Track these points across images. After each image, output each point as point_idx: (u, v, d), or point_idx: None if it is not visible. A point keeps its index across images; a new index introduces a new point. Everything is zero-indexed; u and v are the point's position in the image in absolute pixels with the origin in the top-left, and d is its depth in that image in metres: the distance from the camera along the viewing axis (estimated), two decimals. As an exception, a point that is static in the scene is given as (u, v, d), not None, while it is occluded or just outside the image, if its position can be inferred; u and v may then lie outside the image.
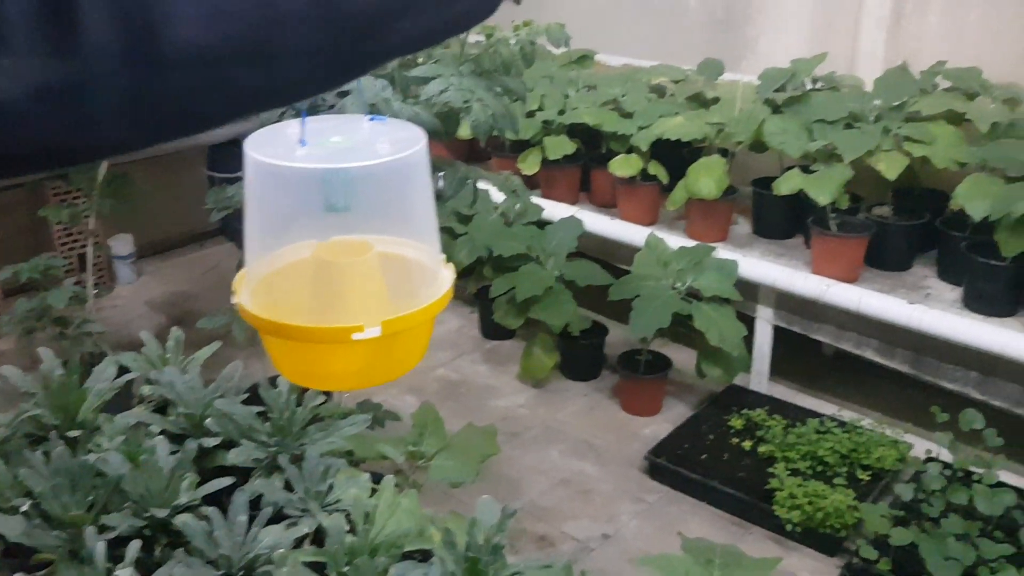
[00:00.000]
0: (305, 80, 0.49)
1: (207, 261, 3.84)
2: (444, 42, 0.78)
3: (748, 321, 2.68)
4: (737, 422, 2.61)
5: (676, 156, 2.94)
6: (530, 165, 3.18)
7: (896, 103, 2.60)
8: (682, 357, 2.93)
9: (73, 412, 1.71)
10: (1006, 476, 2.19)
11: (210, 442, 1.64)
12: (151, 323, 3.30)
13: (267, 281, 0.73)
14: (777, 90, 2.78)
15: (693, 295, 2.63)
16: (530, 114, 3.13)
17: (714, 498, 2.39)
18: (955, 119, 2.52)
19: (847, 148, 2.51)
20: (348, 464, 1.66)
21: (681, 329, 2.65)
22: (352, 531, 1.46)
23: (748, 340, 2.65)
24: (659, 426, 2.72)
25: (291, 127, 0.71)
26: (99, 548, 1.37)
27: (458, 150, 3.45)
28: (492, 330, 3.19)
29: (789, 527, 2.20)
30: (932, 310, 2.36)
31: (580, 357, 3.00)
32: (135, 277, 3.68)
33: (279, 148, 0.69)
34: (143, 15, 0.41)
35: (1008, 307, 2.36)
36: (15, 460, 1.55)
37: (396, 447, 1.92)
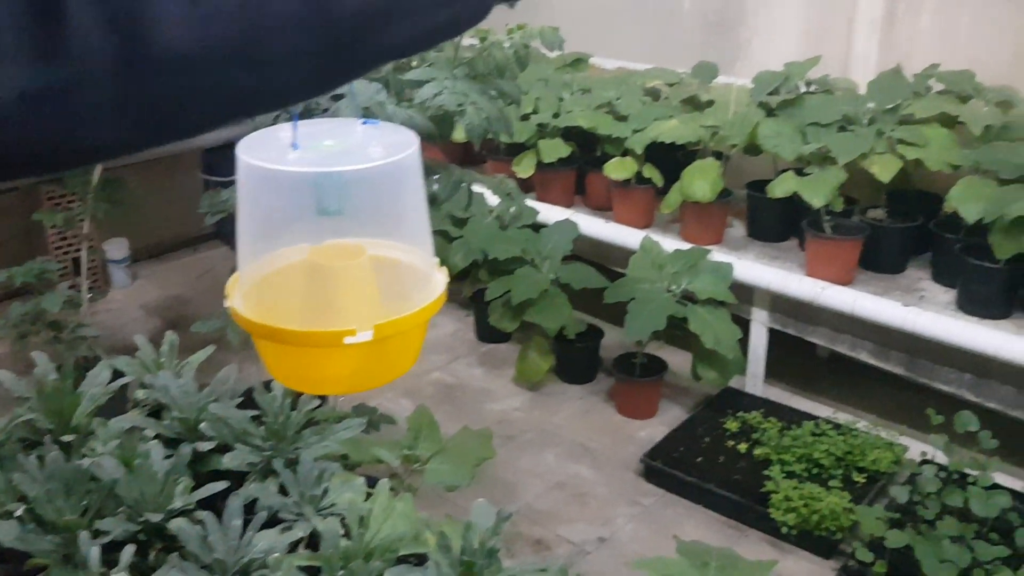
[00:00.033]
0: (297, 84, 0.49)
1: (202, 265, 3.84)
2: (438, 46, 0.78)
3: (743, 324, 2.68)
4: (732, 425, 2.61)
5: (671, 159, 2.95)
6: (525, 168, 3.19)
7: (890, 106, 2.61)
8: (677, 360, 2.93)
9: (67, 416, 1.70)
10: (1001, 478, 2.19)
11: (205, 446, 1.64)
12: (145, 327, 3.30)
13: (260, 285, 0.73)
14: (771, 93, 2.79)
15: (688, 298, 2.64)
16: (525, 117, 3.13)
17: (710, 501, 2.39)
18: (948, 122, 2.53)
19: (841, 151, 2.52)
20: (343, 468, 1.66)
21: (676, 332, 2.65)
22: (347, 535, 1.46)
23: (743, 343, 2.66)
24: (655, 429, 2.72)
25: (283, 131, 0.71)
26: (93, 553, 1.37)
27: (453, 153, 3.45)
28: (487, 333, 3.19)
29: (785, 530, 2.20)
30: (926, 312, 2.36)
31: (575, 360, 3.00)
32: (130, 281, 3.67)
33: (271, 152, 0.69)
34: (132, 18, 0.41)
35: (1002, 309, 2.37)
36: (9, 465, 1.54)
37: (391, 451, 1.92)
